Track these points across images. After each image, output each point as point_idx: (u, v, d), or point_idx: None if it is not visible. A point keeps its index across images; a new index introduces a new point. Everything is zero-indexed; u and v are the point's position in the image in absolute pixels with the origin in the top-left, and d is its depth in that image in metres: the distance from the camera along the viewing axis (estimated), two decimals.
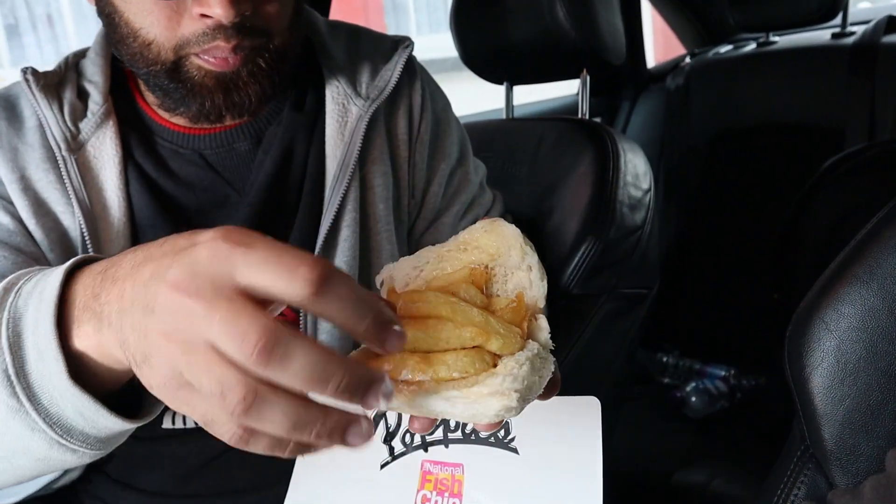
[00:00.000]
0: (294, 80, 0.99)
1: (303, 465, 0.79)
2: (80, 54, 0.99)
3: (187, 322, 0.43)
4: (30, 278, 0.58)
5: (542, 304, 0.55)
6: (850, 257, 0.72)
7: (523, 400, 0.49)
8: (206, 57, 0.81)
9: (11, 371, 0.54)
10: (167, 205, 0.93)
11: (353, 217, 0.95)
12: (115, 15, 0.82)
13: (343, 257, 0.95)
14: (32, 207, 0.89)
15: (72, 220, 0.90)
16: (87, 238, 0.88)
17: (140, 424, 0.60)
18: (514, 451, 0.73)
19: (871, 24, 2.12)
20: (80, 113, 0.92)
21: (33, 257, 0.89)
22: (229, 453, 0.98)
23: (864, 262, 0.70)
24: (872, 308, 0.68)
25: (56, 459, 0.60)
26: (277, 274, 0.42)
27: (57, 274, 0.54)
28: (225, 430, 0.45)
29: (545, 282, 0.55)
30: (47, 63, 0.86)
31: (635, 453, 1.85)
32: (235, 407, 0.42)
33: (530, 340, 0.53)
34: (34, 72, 0.93)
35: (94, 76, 0.95)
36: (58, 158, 0.89)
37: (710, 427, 1.98)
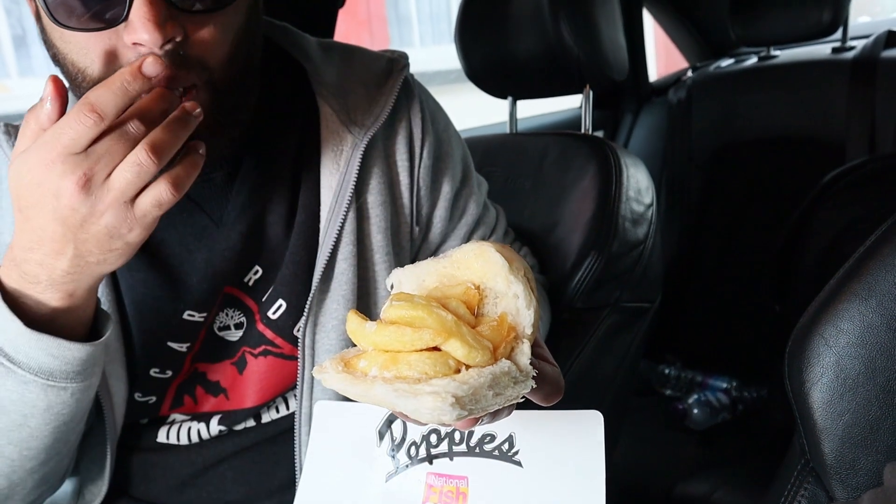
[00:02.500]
0: (274, 113, 0.96)
1: (308, 476, 0.80)
2: None
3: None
4: None
5: (529, 330, 0.57)
6: (849, 274, 0.73)
7: (463, 408, 0.51)
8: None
9: None
10: (146, 242, 0.90)
11: (350, 250, 0.93)
12: (60, 57, 0.79)
13: (340, 291, 0.93)
14: None
15: None
16: None
17: (96, 344, 0.77)
18: (518, 464, 0.74)
19: (871, 38, 2.14)
20: None
21: None
22: (223, 466, 0.99)
23: (862, 279, 0.71)
24: (871, 325, 0.69)
25: (56, 404, 0.77)
26: None
27: None
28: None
29: (533, 310, 0.57)
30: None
31: (637, 465, 1.86)
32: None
33: (505, 360, 0.55)
34: (7, 129, 0.91)
35: None
36: None
37: (712, 439, 1.99)
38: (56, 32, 0.77)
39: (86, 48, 0.76)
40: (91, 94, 0.65)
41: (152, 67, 0.66)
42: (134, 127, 0.66)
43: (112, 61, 0.75)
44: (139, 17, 0.70)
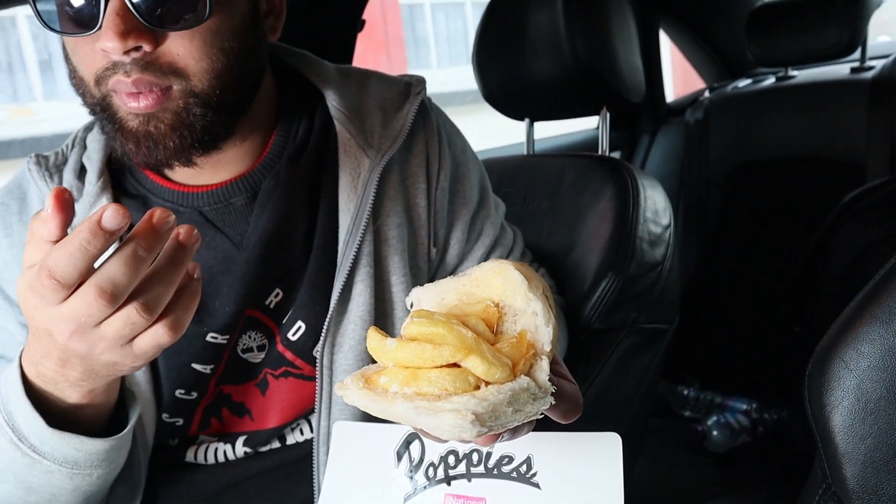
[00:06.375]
0: (293, 131, 0.99)
1: (326, 497, 0.80)
2: (90, 127, 1.01)
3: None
4: (6, 370, 0.76)
5: (547, 347, 0.58)
6: (870, 297, 0.72)
7: (483, 425, 0.51)
8: (122, 96, 0.82)
9: (15, 439, 0.74)
10: None
11: (367, 272, 0.94)
12: (65, 56, 0.87)
13: (358, 312, 0.94)
14: None
15: None
16: None
17: (119, 437, 0.77)
18: (536, 486, 0.74)
19: (891, 57, 2.13)
20: (77, 194, 0.94)
21: None
22: (246, 483, 0.99)
23: (883, 301, 0.70)
24: (892, 348, 0.69)
25: (83, 485, 0.79)
26: None
27: (15, 364, 0.73)
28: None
29: (551, 327, 0.58)
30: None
31: (657, 487, 1.84)
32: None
33: (524, 376, 0.55)
34: (38, 159, 0.96)
35: (93, 152, 0.97)
36: None
37: (732, 461, 1.97)
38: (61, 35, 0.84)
39: (74, 49, 0.83)
40: (49, 256, 0.58)
41: (113, 219, 0.57)
42: (109, 286, 0.58)
43: (90, 65, 0.82)
44: (106, 26, 0.77)
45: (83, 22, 0.79)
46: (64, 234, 0.60)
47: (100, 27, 0.77)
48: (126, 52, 0.78)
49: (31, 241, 0.61)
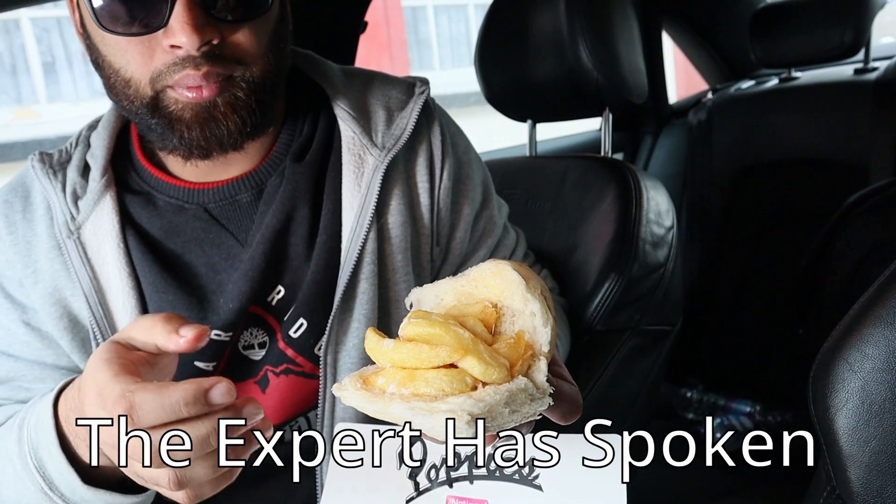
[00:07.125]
0: (298, 123, 1.00)
1: (328, 498, 0.80)
2: (94, 125, 1.02)
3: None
4: (32, 408, 0.77)
5: (546, 348, 0.57)
6: (874, 298, 0.72)
7: (481, 427, 0.51)
8: (180, 90, 0.83)
9: (46, 488, 0.74)
10: (172, 265, 0.94)
11: (371, 269, 0.95)
12: (99, 59, 0.86)
13: (362, 310, 0.95)
14: (45, 297, 0.93)
15: (82, 303, 0.92)
16: (96, 318, 0.91)
17: (148, 494, 0.76)
18: (539, 488, 0.73)
19: (895, 59, 2.13)
20: (81, 191, 0.95)
21: (30, 359, 0.95)
22: (246, 482, 0.99)
23: (887, 303, 0.70)
24: None
25: None
26: None
27: (47, 412, 0.72)
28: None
29: (550, 328, 0.58)
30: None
31: (659, 490, 1.83)
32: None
33: (522, 377, 0.55)
34: (41, 157, 0.97)
35: (97, 150, 0.97)
36: (59, 244, 0.93)
37: (736, 464, 1.96)
38: (98, 37, 0.84)
39: (124, 50, 0.83)
40: (139, 394, 0.57)
41: (222, 397, 0.58)
42: (162, 447, 0.58)
43: (146, 63, 0.83)
44: (179, 22, 0.78)
45: (143, 20, 0.80)
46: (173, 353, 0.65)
47: (165, 24, 0.79)
48: (199, 48, 0.79)
49: (148, 327, 0.64)
